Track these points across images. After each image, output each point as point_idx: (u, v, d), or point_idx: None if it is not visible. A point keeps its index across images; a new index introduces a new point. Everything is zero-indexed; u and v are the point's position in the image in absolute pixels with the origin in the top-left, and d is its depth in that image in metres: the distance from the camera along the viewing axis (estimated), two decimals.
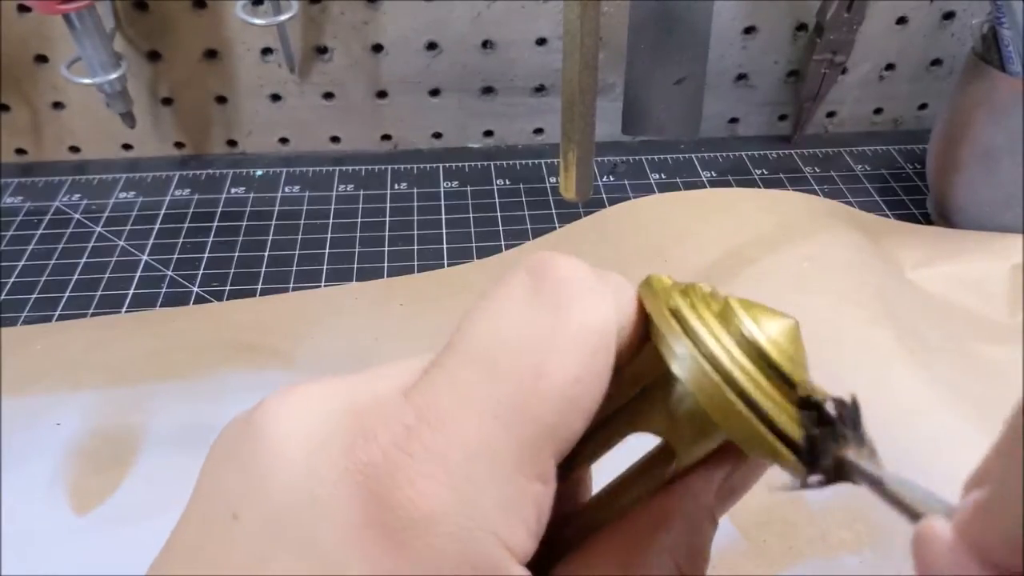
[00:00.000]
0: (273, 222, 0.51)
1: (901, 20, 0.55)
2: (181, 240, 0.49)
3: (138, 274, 0.46)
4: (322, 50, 0.54)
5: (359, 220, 0.51)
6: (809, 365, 0.15)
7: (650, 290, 0.16)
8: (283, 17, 0.49)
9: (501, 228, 0.50)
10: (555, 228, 0.49)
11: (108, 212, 0.52)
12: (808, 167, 0.56)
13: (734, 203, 0.48)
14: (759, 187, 0.54)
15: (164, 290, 0.45)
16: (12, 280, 0.46)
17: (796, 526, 0.32)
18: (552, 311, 0.14)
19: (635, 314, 0.16)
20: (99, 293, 0.45)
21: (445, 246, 0.49)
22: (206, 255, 0.48)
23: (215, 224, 0.51)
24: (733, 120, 0.59)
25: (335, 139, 0.58)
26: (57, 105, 0.55)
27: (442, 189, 0.54)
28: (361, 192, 0.54)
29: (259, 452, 0.14)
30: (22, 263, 0.47)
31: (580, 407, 0.14)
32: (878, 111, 0.60)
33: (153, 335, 0.41)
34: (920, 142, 0.57)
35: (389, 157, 0.58)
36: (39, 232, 0.50)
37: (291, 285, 0.46)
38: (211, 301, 0.45)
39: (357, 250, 0.48)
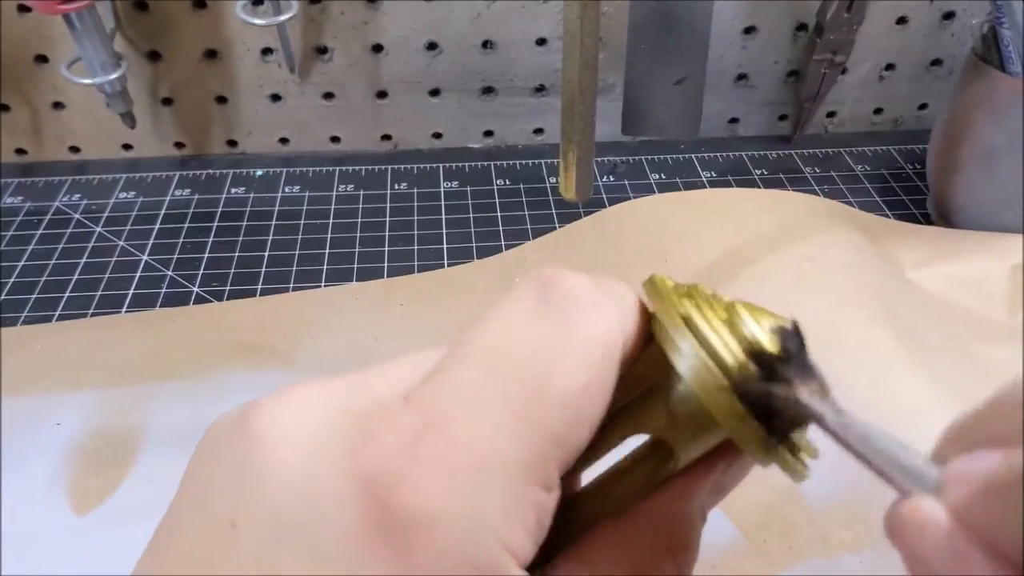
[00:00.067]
0: (273, 222, 0.51)
1: (901, 20, 0.55)
2: (181, 240, 0.49)
3: (138, 274, 0.46)
4: (322, 50, 0.54)
5: (359, 220, 0.51)
6: None
7: (654, 290, 0.16)
8: (283, 17, 0.49)
9: (501, 228, 0.50)
10: (555, 228, 0.49)
11: (108, 212, 0.52)
12: (808, 167, 0.56)
13: (734, 203, 0.48)
14: (759, 187, 0.54)
15: (164, 290, 0.45)
16: (12, 280, 0.46)
17: (796, 526, 0.32)
18: (560, 322, 0.15)
19: (638, 323, 0.16)
20: (99, 293, 0.45)
21: (445, 246, 0.49)
22: (206, 255, 0.48)
23: (215, 224, 0.51)
24: (733, 120, 0.59)
25: (335, 139, 0.58)
26: (57, 105, 0.55)
27: (442, 189, 0.54)
28: (361, 192, 0.54)
29: (256, 455, 0.14)
30: (22, 263, 0.47)
31: (586, 417, 0.14)
32: (878, 111, 0.60)
33: (153, 335, 0.41)
34: (920, 142, 0.57)
35: (389, 157, 0.58)
36: (39, 232, 0.50)
37: (291, 285, 0.46)
38: (211, 301, 0.45)
39: (357, 250, 0.48)
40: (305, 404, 0.15)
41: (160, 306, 0.44)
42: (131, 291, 0.45)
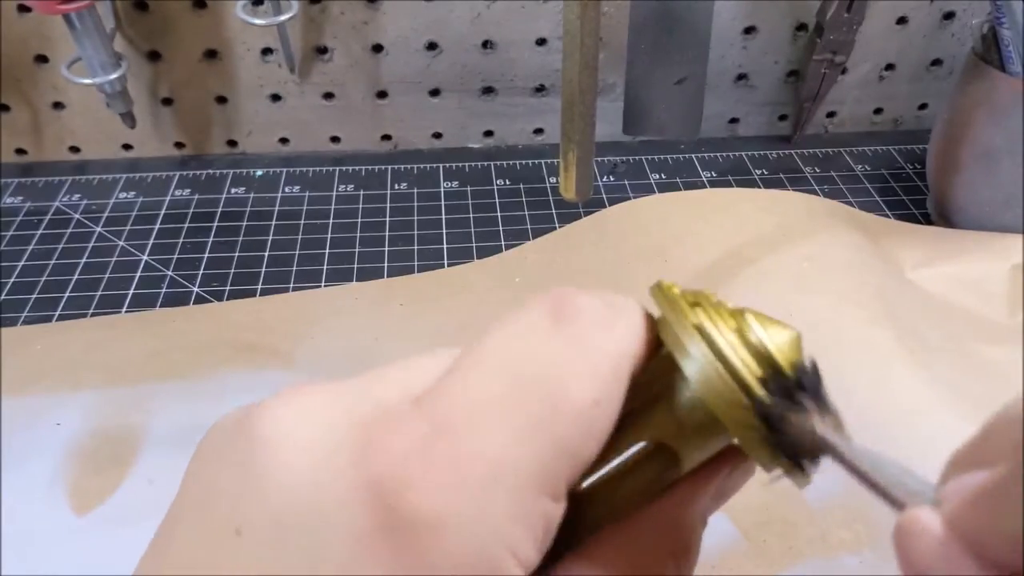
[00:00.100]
0: (273, 222, 0.51)
1: (901, 20, 0.55)
2: (181, 240, 0.49)
3: (138, 274, 0.46)
4: (322, 50, 0.54)
5: (359, 220, 0.51)
6: None
7: (663, 297, 0.16)
8: (283, 17, 0.49)
9: (501, 228, 0.50)
10: (555, 228, 0.49)
11: (108, 212, 0.52)
12: (808, 167, 0.56)
13: (734, 203, 0.48)
14: (759, 187, 0.54)
15: (164, 290, 0.45)
16: (12, 280, 0.46)
17: (796, 526, 0.32)
18: (573, 337, 0.15)
19: (647, 338, 0.16)
20: (99, 293, 0.45)
21: (445, 246, 0.49)
22: (206, 255, 0.48)
23: (215, 224, 0.51)
24: (733, 120, 0.59)
25: (335, 139, 0.58)
26: (57, 105, 0.55)
27: (442, 189, 0.54)
28: (361, 192, 0.54)
29: (259, 458, 0.14)
30: (22, 263, 0.47)
31: (596, 430, 0.14)
32: (878, 111, 0.60)
33: (153, 335, 0.41)
34: (920, 142, 0.57)
35: (389, 157, 0.58)
36: (39, 232, 0.50)
37: (291, 285, 0.46)
38: (211, 301, 0.45)
39: (357, 250, 0.48)
40: (310, 407, 0.14)
41: (160, 306, 0.44)
42: (131, 291, 0.45)
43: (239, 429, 0.15)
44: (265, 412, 0.15)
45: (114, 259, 0.48)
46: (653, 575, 0.16)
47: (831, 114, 0.60)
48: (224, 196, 0.53)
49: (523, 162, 0.57)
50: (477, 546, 0.13)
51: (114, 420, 0.37)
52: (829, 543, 0.31)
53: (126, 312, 0.44)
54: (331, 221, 0.51)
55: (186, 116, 0.56)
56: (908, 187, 0.54)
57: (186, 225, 0.50)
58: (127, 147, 0.57)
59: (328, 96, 0.56)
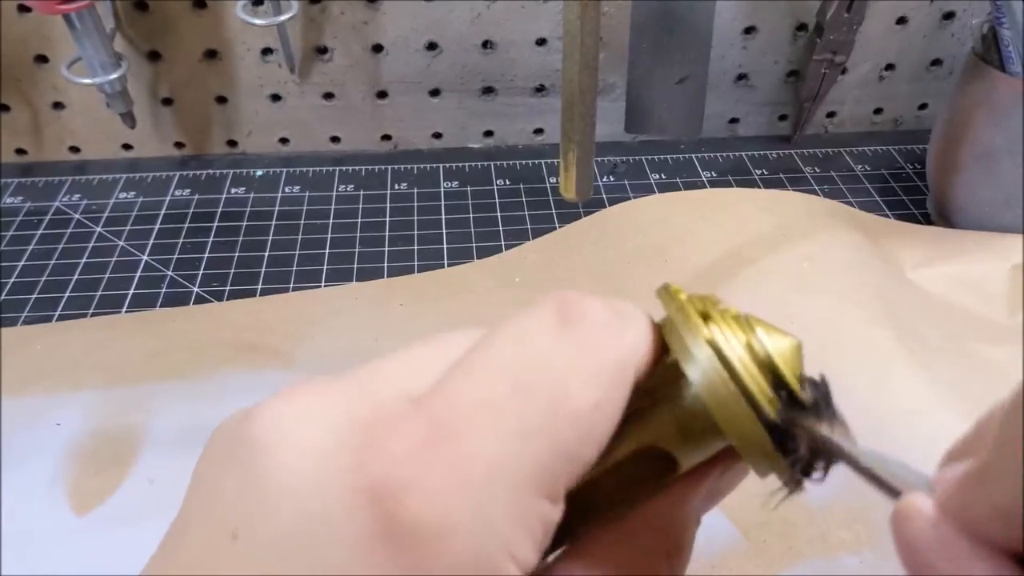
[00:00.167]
0: (273, 222, 0.51)
1: (901, 20, 0.55)
2: (181, 240, 0.49)
3: (138, 274, 0.46)
4: (322, 50, 0.54)
5: (359, 220, 0.51)
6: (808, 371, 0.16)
7: (671, 300, 0.16)
8: (283, 17, 0.49)
9: (501, 228, 0.50)
10: (555, 228, 0.49)
11: (108, 212, 0.52)
12: (808, 167, 0.56)
13: (734, 203, 0.48)
14: (759, 187, 0.54)
15: (164, 290, 0.45)
16: (12, 280, 0.46)
17: (796, 526, 0.32)
18: (578, 342, 0.15)
19: (652, 345, 0.16)
20: (99, 293, 0.45)
21: (445, 246, 0.49)
22: (206, 255, 0.48)
23: (215, 224, 0.51)
24: (733, 120, 0.59)
25: (335, 139, 0.58)
26: (57, 105, 0.55)
27: (442, 189, 0.54)
28: (361, 192, 0.54)
29: (259, 465, 0.14)
30: (22, 263, 0.47)
31: (597, 434, 0.14)
32: (878, 111, 0.60)
33: (153, 335, 0.41)
34: (920, 142, 0.57)
35: (389, 157, 0.58)
36: (39, 232, 0.50)
37: (291, 285, 0.46)
38: (211, 301, 0.45)
39: (357, 250, 0.48)
40: (308, 407, 0.14)
41: (160, 306, 0.44)
42: (131, 291, 0.45)
43: (240, 430, 0.15)
44: (264, 413, 0.14)
45: (114, 259, 0.48)
46: (647, 574, 0.16)
47: (831, 114, 0.60)
48: (224, 196, 0.53)
49: (523, 162, 0.57)
50: (476, 550, 0.13)
51: (114, 420, 0.37)
52: (829, 543, 0.31)
53: (126, 312, 0.44)
54: (331, 221, 0.51)
55: (186, 116, 0.56)
56: (908, 187, 0.54)
57: (186, 225, 0.50)
58: (127, 147, 0.57)
59: (328, 96, 0.56)
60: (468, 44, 0.54)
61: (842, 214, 0.48)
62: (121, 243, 0.49)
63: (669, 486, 0.17)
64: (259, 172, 0.56)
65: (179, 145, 0.57)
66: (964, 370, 0.37)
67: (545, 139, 0.59)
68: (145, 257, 0.48)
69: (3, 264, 0.47)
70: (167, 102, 0.55)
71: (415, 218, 0.51)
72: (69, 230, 0.50)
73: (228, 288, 0.45)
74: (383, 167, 0.56)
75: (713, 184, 0.54)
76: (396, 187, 0.54)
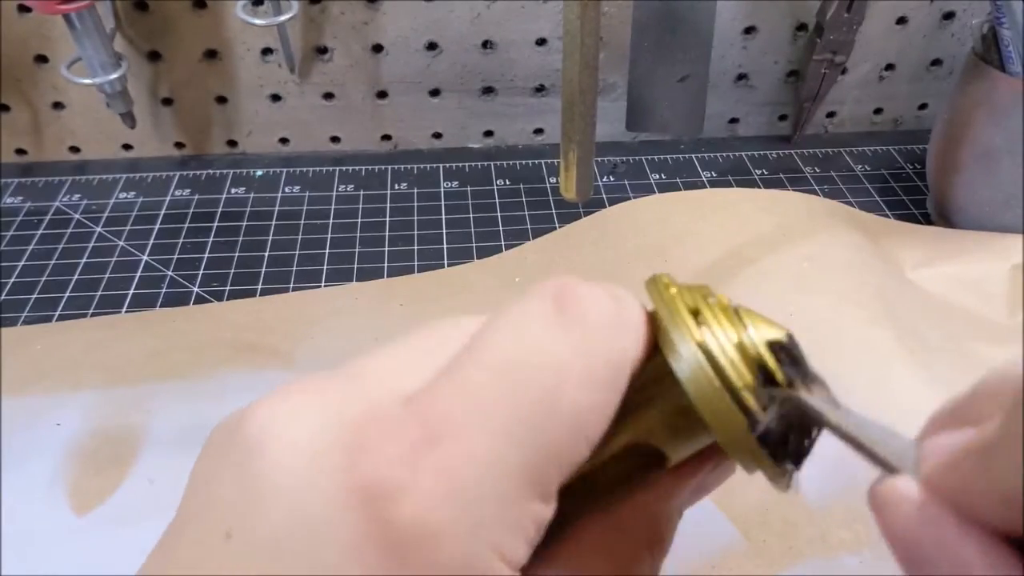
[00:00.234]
0: (273, 222, 0.51)
1: (901, 20, 0.55)
2: (181, 240, 0.49)
3: (138, 274, 0.46)
4: (322, 50, 0.54)
5: (359, 220, 0.51)
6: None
7: (658, 293, 0.16)
8: (283, 17, 0.49)
9: (501, 228, 0.50)
10: (555, 228, 0.49)
11: (108, 212, 0.52)
12: (808, 167, 0.56)
13: (734, 203, 0.48)
14: (759, 187, 0.54)
15: (164, 290, 0.45)
16: (12, 280, 0.46)
17: (796, 526, 0.32)
18: (575, 339, 0.15)
19: (646, 340, 0.16)
20: (99, 293, 0.45)
21: (445, 246, 0.49)
22: (206, 255, 0.48)
23: (215, 224, 0.51)
24: (733, 120, 0.59)
25: (335, 139, 0.58)
26: (57, 105, 0.55)
27: (442, 189, 0.54)
28: (361, 192, 0.54)
29: (253, 464, 0.14)
30: (22, 263, 0.47)
31: (588, 434, 0.14)
32: (878, 111, 0.60)
33: (153, 335, 0.41)
34: (920, 142, 0.57)
35: (389, 157, 0.58)
36: (39, 232, 0.50)
37: (291, 285, 0.46)
38: (211, 301, 0.45)
39: (357, 250, 0.48)
40: (301, 407, 0.14)
41: (160, 306, 0.44)
42: (131, 291, 0.45)
43: (235, 430, 0.15)
44: (258, 412, 0.14)
45: (114, 259, 0.48)
46: (631, 566, 0.16)
47: (831, 114, 0.60)
48: (224, 196, 0.53)
49: (523, 162, 0.57)
50: (468, 552, 0.13)
51: (114, 420, 0.37)
52: (829, 543, 0.31)
53: (126, 312, 0.44)
54: (331, 221, 0.51)
55: (186, 116, 0.56)
56: (908, 187, 0.54)
57: (186, 225, 0.50)
58: (127, 147, 0.57)
59: (328, 96, 0.56)
60: (468, 44, 0.54)
61: (842, 214, 0.48)
62: (121, 243, 0.49)
63: (657, 480, 0.17)
64: (259, 172, 0.56)
65: (179, 145, 0.57)
66: (964, 370, 0.37)
67: (545, 139, 0.59)
68: (145, 257, 0.48)
69: (3, 264, 0.47)
70: (167, 102, 0.55)
71: (415, 218, 0.51)
72: (69, 230, 0.50)
73: (228, 288, 0.45)
74: (383, 167, 0.56)
75: (713, 184, 0.54)
76: (396, 187, 0.54)
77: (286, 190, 0.54)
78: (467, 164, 0.57)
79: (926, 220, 0.51)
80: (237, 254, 0.48)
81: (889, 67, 0.58)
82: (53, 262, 0.47)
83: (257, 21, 0.49)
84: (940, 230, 0.48)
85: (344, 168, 0.56)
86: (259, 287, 0.45)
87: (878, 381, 0.36)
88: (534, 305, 0.15)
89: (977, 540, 0.11)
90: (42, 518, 0.33)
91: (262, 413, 0.14)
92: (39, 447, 0.35)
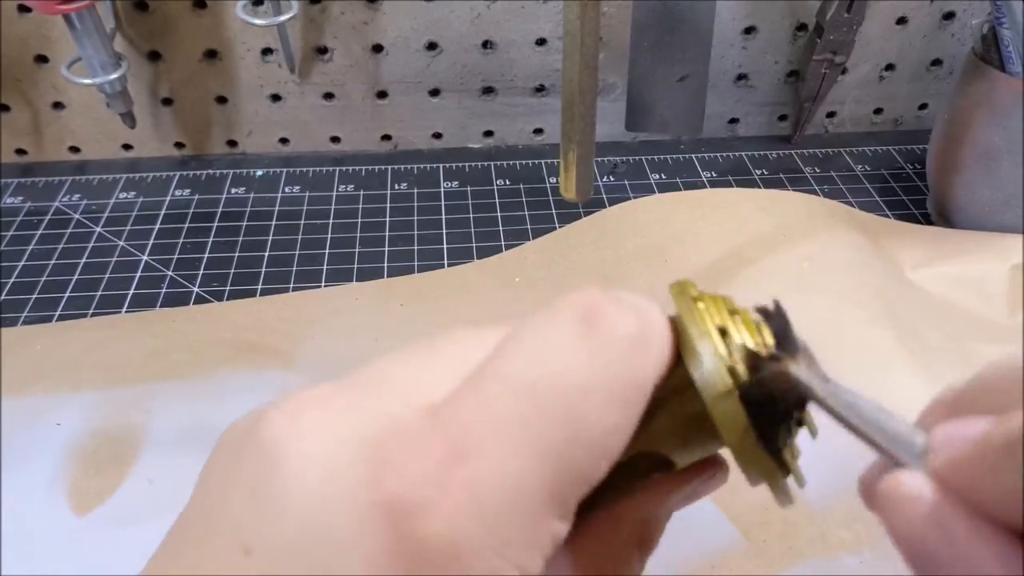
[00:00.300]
0: (273, 222, 0.51)
1: (901, 20, 0.55)
2: (181, 240, 0.49)
3: (138, 274, 0.46)
4: (322, 50, 0.54)
5: (359, 220, 0.51)
6: None
7: (685, 304, 0.16)
8: (283, 17, 0.49)
9: (501, 228, 0.50)
10: (555, 228, 0.49)
11: (108, 212, 0.52)
12: (808, 167, 0.56)
13: (734, 203, 0.48)
14: (759, 187, 0.54)
15: (164, 290, 0.45)
16: (12, 280, 0.46)
17: (796, 526, 0.32)
18: (602, 360, 0.14)
19: (670, 355, 0.16)
20: (99, 293, 0.45)
21: (445, 246, 0.49)
22: (206, 255, 0.48)
23: (215, 224, 0.51)
24: (733, 120, 0.59)
25: (335, 139, 0.58)
26: (57, 105, 0.55)
27: (442, 189, 0.54)
28: (361, 192, 0.54)
29: (269, 475, 0.13)
30: (22, 263, 0.47)
31: (610, 454, 0.14)
32: (878, 111, 0.60)
33: (153, 335, 0.41)
34: (920, 142, 0.57)
35: (389, 157, 0.58)
36: (39, 232, 0.50)
37: (291, 285, 0.46)
38: (211, 301, 0.45)
39: (357, 250, 0.48)
40: (320, 419, 0.14)
41: (160, 306, 0.44)
42: (131, 291, 0.45)
43: (249, 442, 0.14)
44: (274, 420, 0.14)
45: (114, 259, 0.48)
46: (621, 565, 0.16)
47: (831, 114, 0.60)
48: (224, 196, 0.53)
49: (523, 162, 0.57)
50: (488, 569, 0.13)
51: (114, 420, 0.37)
52: (829, 543, 0.31)
53: (126, 312, 0.44)
54: (331, 221, 0.51)
55: (186, 116, 0.56)
56: (908, 187, 0.54)
57: (186, 225, 0.50)
58: (127, 147, 0.57)
59: (328, 96, 0.56)
60: (468, 44, 0.54)
61: (842, 214, 0.48)
62: (121, 243, 0.49)
63: (656, 483, 0.17)
64: (259, 172, 0.56)
65: (179, 145, 0.57)
66: (964, 370, 0.37)
67: (545, 139, 0.59)
68: (145, 257, 0.48)
69: (3, 264, 0.47)
70: (167, 102, 0.55)
71: (415, 218, 0.51)
72: (69, 230, 0.50)
73: (228, 288, 0.45)
74: (383, 167, 0.56)
75: (713, 184, 0.54)
76: (396, 187, 0.54)
77: (286, 190, 0.54)
78: (467, 164, 0.57)
79: (926, 220, 0.51)
80: (237, 254, 0.48)
81: (889, 67, 0.58)
82: (53, 262, 0.47)
83: (257, 21, 0.49)
84: (940, 230, 0.48)
85: (344, 168, 0.56)
86: (259, 287, 0.45)
87: (878, 381, 0.36)
88: (562, 321, 0.15)
89: (991, 538, 0.11)
90: (42, 518, 0.33)
91: (279, 422, 0.14)
92: (39, 447, 0.35)
